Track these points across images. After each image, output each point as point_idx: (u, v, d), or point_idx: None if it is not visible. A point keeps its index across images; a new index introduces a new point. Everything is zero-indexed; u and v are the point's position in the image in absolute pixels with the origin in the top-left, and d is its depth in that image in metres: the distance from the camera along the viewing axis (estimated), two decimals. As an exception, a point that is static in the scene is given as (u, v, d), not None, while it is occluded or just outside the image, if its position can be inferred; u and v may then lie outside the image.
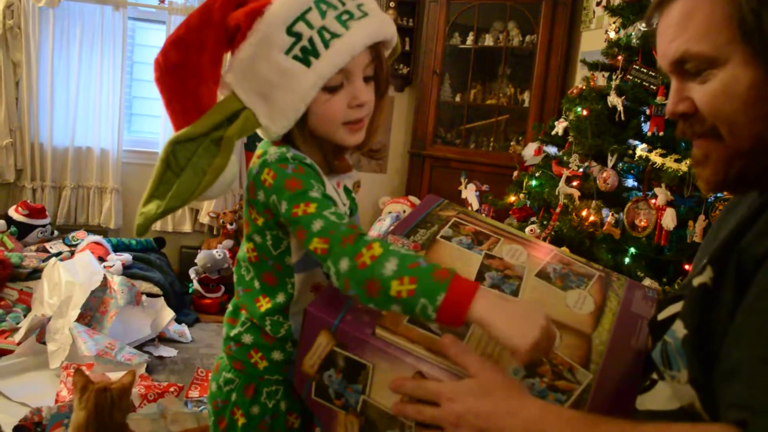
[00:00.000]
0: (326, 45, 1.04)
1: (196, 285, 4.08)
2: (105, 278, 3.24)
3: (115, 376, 2.66)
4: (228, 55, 1.12)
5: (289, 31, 1.04)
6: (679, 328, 0.82)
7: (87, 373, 2.05)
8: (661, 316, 0.92)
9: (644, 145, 2.46)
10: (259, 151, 1.14)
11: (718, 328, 0.77)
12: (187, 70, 1.05)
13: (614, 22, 2.86)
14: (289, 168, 1.06)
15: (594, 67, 2.92)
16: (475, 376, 0.88)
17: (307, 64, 1.04)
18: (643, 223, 2.39)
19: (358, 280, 0.94)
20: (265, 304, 1.17)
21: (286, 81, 1.05)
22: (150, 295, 3.57)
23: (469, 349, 0.92)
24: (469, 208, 3.43)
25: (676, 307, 0.88)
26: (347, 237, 0.97)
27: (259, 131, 1.13)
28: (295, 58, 1.05)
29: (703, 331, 0.79)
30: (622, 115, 2.58)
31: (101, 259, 3.64)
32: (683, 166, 2.26)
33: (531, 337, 0.86)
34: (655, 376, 0.90)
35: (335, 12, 1.06)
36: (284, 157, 1.08)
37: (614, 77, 2.70)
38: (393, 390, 0.95)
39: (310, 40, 1.04)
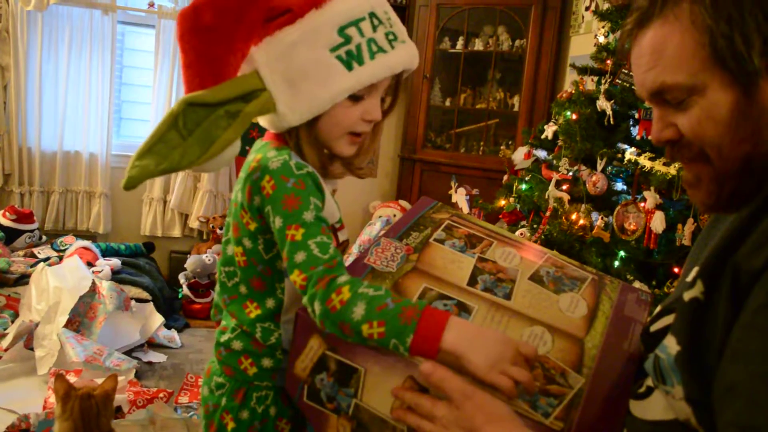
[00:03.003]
0: (372, 56, 1.09)
1: (185, 290, 4.06)
2: (93, 283, 3.22)
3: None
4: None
5: (341, 31, 1.08)
6: (671, 344, 0.82)
7: (68, 378, 2.02)
8: (653, 328, 0.92)
9: (633, 149, 2.47)
10: (258, 155, 1.12)
11: (713, 343, 0.77)
12: (218, 36, 1.03)
13: (603, 27, 2.88)
14: (290, 182, 1.07)
15: (583, 71, 2.93)
16: (460, 407, 0.89)
17: (349, 67, 1.08)
18: (632, 227, 2.40)
19: (332, 322, 0.98)
20: (254, 311, 1.17)
21: (322, 76, 1.08)
22: (139, 300, 3.55)
23: (451, 376, 0.92)
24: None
25: (668, 320, 0.88)
26: (321, 280, 1.00)
27: (262, 120, 1.14)
28: (339, 58, 1.08)
29: (697, 346, 0.79)
30: (611, 119, 2.59)
31: (90, 264, 3.62)
32: (672, 170, 2.27)
33: (496, 366, 0.90)
34: (650, 383, 0.90)
35: (384, 29, 1.12)
36: (288, 166, 1.08)
37: (603, 81, 2.71)
38: (394, 396, 0.97)
39: (358, 47, 1.08)
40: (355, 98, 1.11)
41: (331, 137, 1.15)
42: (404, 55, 1.14)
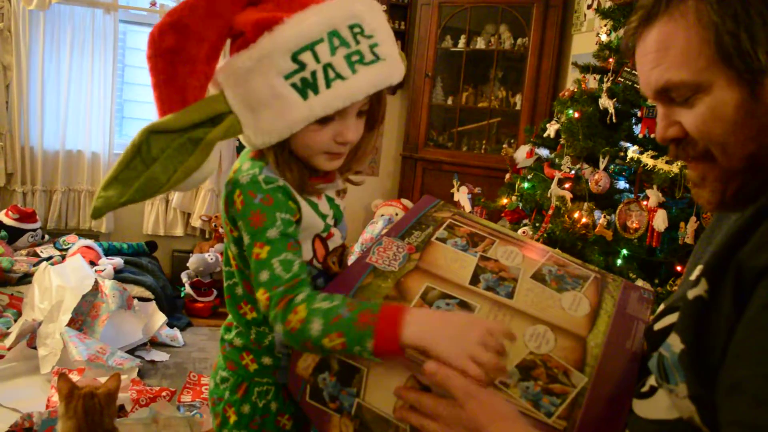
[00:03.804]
0: (328, 84, 1.01)
1: (188, 289, 4.06)
2: (96, 282, 3.22)
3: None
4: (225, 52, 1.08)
5: (294, 57, 1.00)
6: (675, 342, 0.82)
7: (71, 377, 2.02)
8: (656, 327, 0.92)
9: (636, 147, 2.47)
10: (236, 164, 1.12)
11: (716, 342, 0.76)
12: (181, 57, 1.00)
13: (605, 25, 2.87)
14: (257, 198, 1.05)
15: (585, 69, 2.93)
16: (464, 406, 0.89)
17: (304, 96, 1.01)
18: (634, 225, 2.39)
19: (295, 342, 1.00)
20: (249, 312, 1.18)
21: (277, 105, 1.02)
22: (142, 299, 3.56)
23: (455, 375, 0.91)
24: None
25: (671, 318, 0.88)
26: (281, 301, 1.00)
27: (240, 137, 1.11)
28: (293, 86, 1.01)
29: (701, 344, 0.79)
30: (614, 118, 2.59)
31: (92, 264, 3.62)
32: (674, 168, 2.27)
33: (465, 352, 0.90)
34: (653, 382, 0.90)
35: (346, 50, 1.02)
36: (255, 181, 1.06)
37: (605, 79, 2.71)
38: (397, 396, 0.97)
39: (313, 74, 1.00)
40: (321, 121, 1.05)
41: (306, 156, 1.10)
42: (368, 80, 1.04)
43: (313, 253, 1.14)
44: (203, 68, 1.02)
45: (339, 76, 1.01)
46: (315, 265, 1.15)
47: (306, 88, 1.01)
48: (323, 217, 1.16)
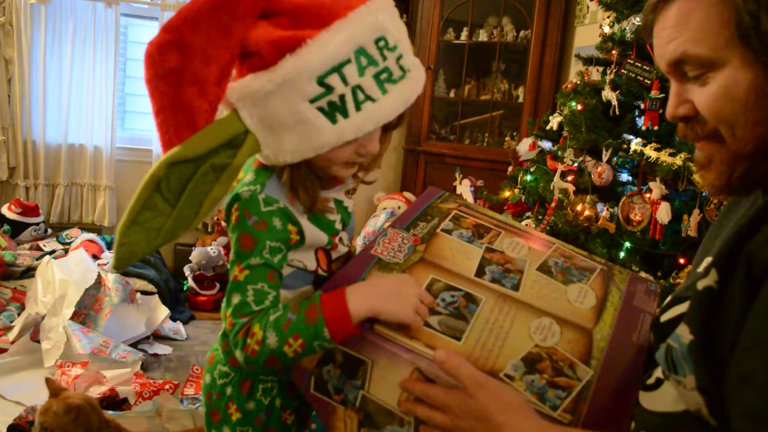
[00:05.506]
0: (358, 107, 0.97)
1: (190, 282, 4.06)
2: (99, 276, 3.23)
3: (110, 374, 2.65)
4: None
5: (320, 81, 0.94)
6: (684, 333, 0.81)
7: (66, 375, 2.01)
8: (664, 318, 0.91)
9: (639, 140, 2.46)
10: (241, 173, 1.08)
11: (726, 333, 0.76)
12: (186, 79, 0.92)
13: (608, 17, 2.86)
14: (252, 220, 1.02)
15: (588, 61, 2.92)
16: (473, 396, 0.89)
17: (333, 120, 0.97)
18: (637, 218, 2.39)
19: (258, 363, 1.00)
20: None
21: (302, 129, 0.97)
22: (144, 292, 3.56)
23: (465, 364, 0.92)
24: (465, 204, 3.42)
25: (679, 309, 0.87)
26: (242, 329, 1.00)
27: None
28: (320, 110, 0.96)
29: (711, 335, 0.78)
30: (617, 110, 2.58)
31: (95, 257, 3.62)
32: (678, 160, 2.26)
33: (410, 306, 0.98)
34: (660, 374, 0.89)
35: (374, 69, 0.97)
36: (255, 199, 1.02)
37: (608, 72, 2.70)
38: (402, 389, 0.96)
39: (342, 98, 0.96)
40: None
41: (324, 168, 1.07)
42: (399, 98, 1.01)
43: (317, 263, 1.13)
44: (214, 90, 0.94)
45: (369, 97, 0.97)
46: (320, 273, 1.14)
47: (334, 111, 0.96)
48: (330, 225, 1.13)
